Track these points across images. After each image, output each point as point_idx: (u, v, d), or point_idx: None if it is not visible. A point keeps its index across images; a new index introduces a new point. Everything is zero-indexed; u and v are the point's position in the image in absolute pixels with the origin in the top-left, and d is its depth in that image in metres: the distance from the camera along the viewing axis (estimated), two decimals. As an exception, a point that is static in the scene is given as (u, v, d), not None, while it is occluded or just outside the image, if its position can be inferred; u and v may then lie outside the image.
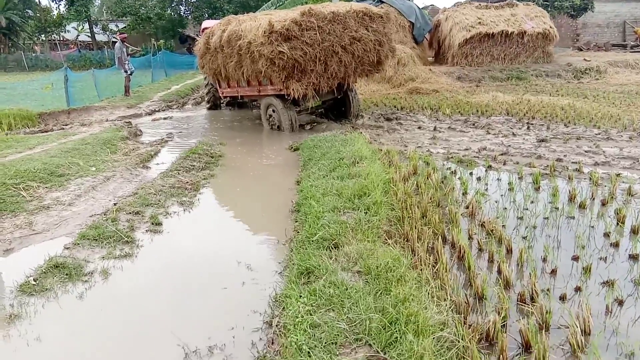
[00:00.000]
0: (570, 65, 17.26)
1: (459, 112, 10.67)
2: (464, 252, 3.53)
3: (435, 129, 8.96)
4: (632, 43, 22.32)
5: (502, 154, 6.86)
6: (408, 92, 14.31)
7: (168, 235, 4.49)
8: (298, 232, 4.14)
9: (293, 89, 8.20)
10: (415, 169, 6.02)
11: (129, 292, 3.44)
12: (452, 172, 6.07)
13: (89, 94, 14.90)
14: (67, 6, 33.09)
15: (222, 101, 12.87)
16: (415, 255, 3.50)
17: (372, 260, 3.14)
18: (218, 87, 11.22)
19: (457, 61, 17.18)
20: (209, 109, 13.07)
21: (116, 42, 15.11)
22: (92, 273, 3.65)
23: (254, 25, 8.25)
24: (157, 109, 12.86)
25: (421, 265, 3.26)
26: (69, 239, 4.29)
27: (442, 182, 5.58)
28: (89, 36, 38.33)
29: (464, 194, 5.23)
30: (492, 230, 4.12)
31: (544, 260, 3.59)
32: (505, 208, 4.77)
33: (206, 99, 13.05)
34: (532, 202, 4.92)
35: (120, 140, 8.18)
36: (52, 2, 34.91)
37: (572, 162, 6.34)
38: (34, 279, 3.49)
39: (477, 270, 3.38)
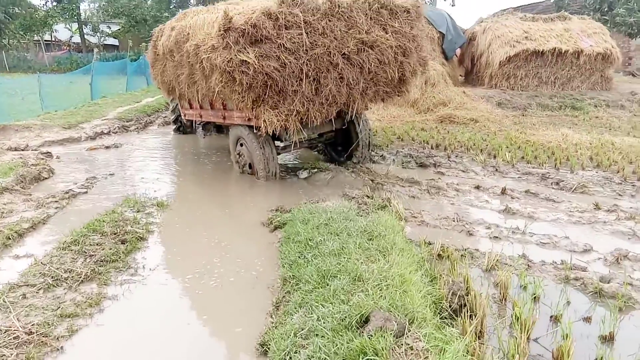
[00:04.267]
0: (635, 94, 13.97)
1: (523, 157, 7.39)
2: None
3: (503, 191, 5.66)
4: None
5: (669, 274, 3.54)
6: (439, 120, 11.14)
7: None
8: None
9: (265, 120, 4.98)
10: (526, 327, 2.70)
11: None
12: (607, 338, 2.73)
13: (34, 106, 11.78)
14: (53, 4, 30.19)
15: (197, 123, 9.65)
16: None
17: None
18: (180, 107, 7.99)
19: (495, 83, 13.90)
20: (176, 131, 9.84)
21: None
22: None
23: (208, 19, 5.02)
24: (105, 131, 9.55)
25: None
26: None
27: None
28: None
29: None
30: None
31: None
32: None
33: (172, 118, 9.80)
34: None
35: (-14, 196, 4.91)
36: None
37: None
38: None
39: None
